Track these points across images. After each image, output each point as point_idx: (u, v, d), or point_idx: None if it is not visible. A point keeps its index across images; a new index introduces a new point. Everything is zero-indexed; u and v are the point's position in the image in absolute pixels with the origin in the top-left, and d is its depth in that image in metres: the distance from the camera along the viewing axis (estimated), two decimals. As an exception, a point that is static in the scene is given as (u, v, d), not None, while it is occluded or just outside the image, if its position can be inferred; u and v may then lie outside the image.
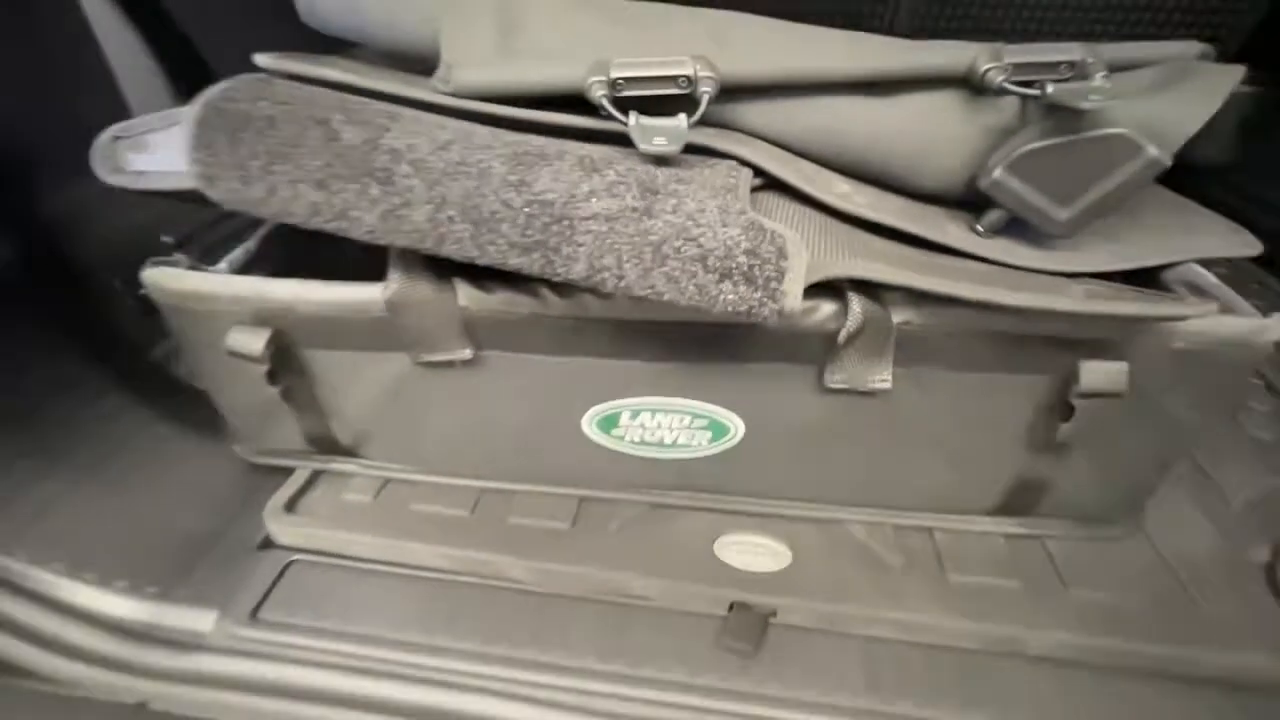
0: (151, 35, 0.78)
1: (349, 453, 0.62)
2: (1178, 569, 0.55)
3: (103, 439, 0.64)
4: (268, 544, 0.59)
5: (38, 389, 0.62)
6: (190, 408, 0.72)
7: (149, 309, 0.81)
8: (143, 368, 0.74)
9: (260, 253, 0.58)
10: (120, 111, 0.78)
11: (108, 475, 0.62)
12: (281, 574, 0.57)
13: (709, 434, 0.53)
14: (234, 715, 0.52)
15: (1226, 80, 0.47)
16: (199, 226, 0.93)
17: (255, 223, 0.90)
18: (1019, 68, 0.46)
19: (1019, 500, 0.56)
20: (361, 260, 0.51)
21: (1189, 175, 1.16)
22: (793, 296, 0.37)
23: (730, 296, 0.37)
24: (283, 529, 0.59)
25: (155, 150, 0.51)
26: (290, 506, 0.60)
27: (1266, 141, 1.01)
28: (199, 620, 0.53)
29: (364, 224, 0.40)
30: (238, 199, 0.42)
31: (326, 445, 0.61)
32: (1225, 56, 1.01)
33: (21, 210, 0.65)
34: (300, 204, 0.40)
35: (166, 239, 0.89)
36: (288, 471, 0.64)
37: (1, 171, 0.61)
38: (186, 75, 0.82)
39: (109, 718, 0.58)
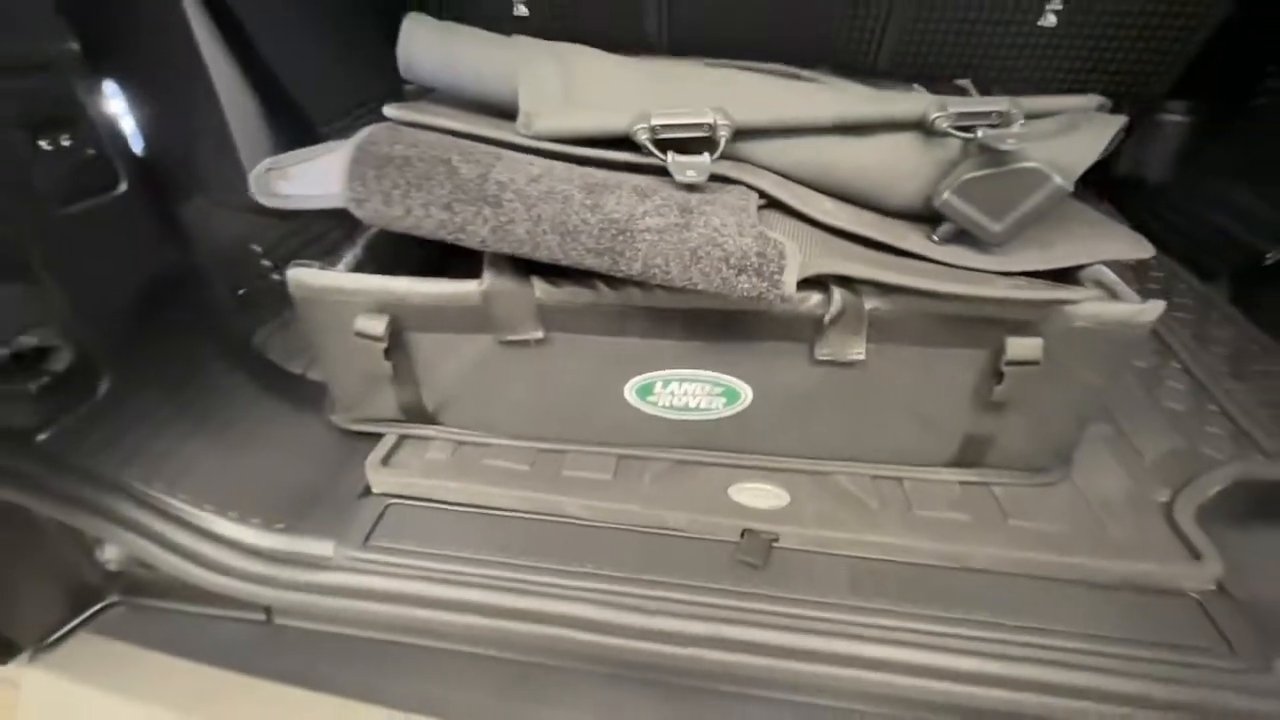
0: (257, 82, 0.93)
1: (430, 420, 0.76)
2: (1096, 506, 0.69)
3: (227, 410, 0.78)
4: (367, 492, 0.74)
5: (182, 370, 0.76)
6: (286, 386, 0.86)
7: (247, 306, 0.96)
8: (247, 354, 0.89)
9: (364, 257, 0.72)
10: (226, 145, 0.93)
11: (234, 438, 0.76)
12: (383, 514, 0.71)
13: (724, 399, 0.68)
14: (353, 618, 0.67)
15: (1112, 127, 0.62)
16: (279, 238, 1.09)
17: (324, 235, 1.06)
18: (959, 116, 0.61)
19: (970, 454, 0.71)
20: (433, 263, 0.67)
21: (1139, 192, 1.33)
22: (790, 285, 0.52)
23: (745, 285, 0.52)
24: (380, 479, 0.73)
25: (298, 179, 0.66)
26: (385, 462, 0.74)
27: (1195, 163, 1.17)
28: (321, 548, 0.67)
29: (478, 235, 0.55)
30: (379, 217, 0.57)
31: (415, 413, 0.75)
32: (1158, 95, 1.19)
33: (169, 222, 0.79)
34: (430, 221, 0.55)
35: (255, 248, 1.05)
36: (376, 437, 0.78)
37: (159, 187, 0.75)
38: (285, 115, 0.97)
39: (240, 631, 0.72)
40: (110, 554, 0.68)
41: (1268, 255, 0.93)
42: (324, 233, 1.16)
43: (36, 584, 0.69)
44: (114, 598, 0.75)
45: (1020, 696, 0.56)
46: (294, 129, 1.01)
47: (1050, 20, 1.17)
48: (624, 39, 1.37)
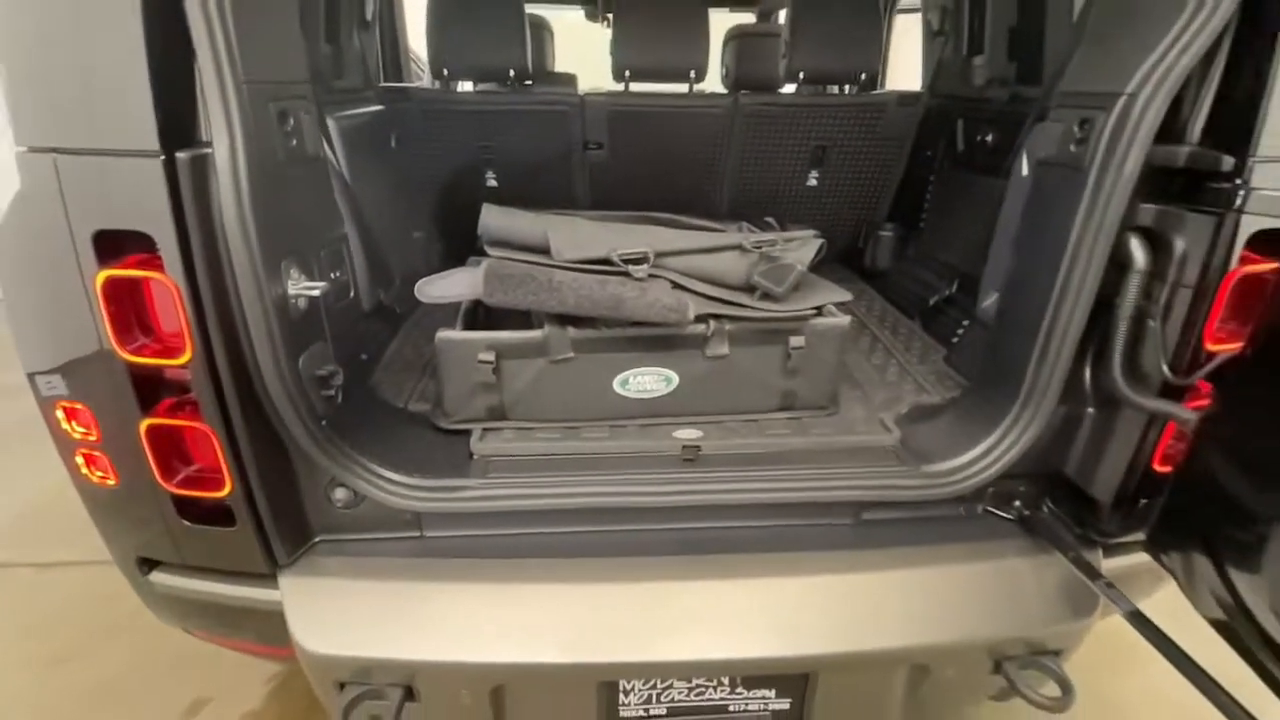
0: (361, 236, 1.55)
1: (503, 416, 1.36)
2: (850, 420, 1.41)
3: (379, 420, 1.33)
4: (470, 457, 1.30)
5: (359, 399, 1.31)
6: (399, 412, 1.43)
7: (368, 360, 1.53)
8: (373, 395, 1.44)
9: (465, 324, 1.33)
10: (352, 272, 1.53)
11: (388, 436, 1.30)
12: (488, 465, 1.28)
13: (665, 383, 1.34)
14: (483, 511, 1.22)
15: (816, 245, 1.40)
16: (380, 329, 1.68)
17: (379, 331, 1.69)
18: (756, 242, 1.36)
19: (787, 402, 1.41)
20: (505, 320, 1.30)
21: (876, 275, 2.25)
22: (690, 317, 1.21)
23: (673, 318, 1.20)
24: (480, 448, 1.31)
25: (439, 288, 1.28)
26: (480, 439, 1.32)
27: (900, 256, 2.06)
28: (458, 482, 1.23)
29: (549, 305, 1.20)
30: (500, 301, 1.20)
31: (495, 413, 1.34)
32: (880, 221, 2.11)
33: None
34: (524, 302, 1.20)
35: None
36: (466, 433, 1.36)
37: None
38: (369, 253, 1.59)
39: (402, 543, 1.24)
40: (339, 495, 1.18)
41: (929, 301, 1.78)
42: (379, 330, 1.75)
43: (290, 525, 1.18)
44: (321, 536, 1.24)
45: (818, 494, 1.23)
46: (371, 258, 1.63)
47: (813, 183, 2.05)
48: (560, 199, 2.12)
